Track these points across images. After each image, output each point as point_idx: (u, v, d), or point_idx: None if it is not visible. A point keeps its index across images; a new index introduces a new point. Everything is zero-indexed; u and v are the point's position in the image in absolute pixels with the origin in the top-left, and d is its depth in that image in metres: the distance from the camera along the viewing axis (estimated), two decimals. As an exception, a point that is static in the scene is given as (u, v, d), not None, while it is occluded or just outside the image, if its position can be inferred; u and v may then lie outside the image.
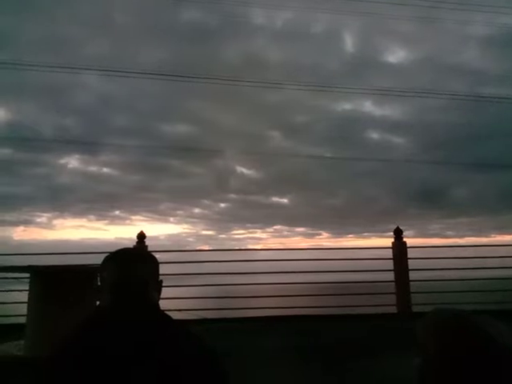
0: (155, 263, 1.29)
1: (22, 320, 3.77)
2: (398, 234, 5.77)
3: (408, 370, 1.08)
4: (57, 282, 3.43)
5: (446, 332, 1.01)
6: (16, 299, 4.85)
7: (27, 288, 3.66)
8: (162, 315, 1.23)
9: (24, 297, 3.73)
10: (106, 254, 1.28)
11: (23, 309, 3.72)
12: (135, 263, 1.20)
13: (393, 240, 5.81)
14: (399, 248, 5.74)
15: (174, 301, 5.27)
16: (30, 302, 3.57)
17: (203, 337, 1.24)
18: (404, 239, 5.81)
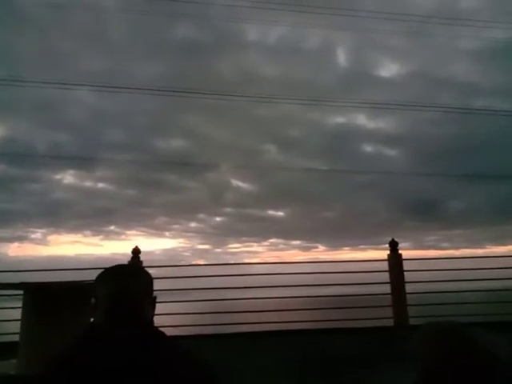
0: (149, 279, 1.28)
1: (15, 338, 3.72)
2: (394, 246, 5.79)
3: (406, 383, 1.08)
4: (50, 299, 3.40)
5: (444, 344, 1.01)
6: (10, 317, 4.78)
7: (21, 305, 3.62)
8: (156, 331, 1.23)
9: (19, 314, 3.68)
10: (101, 270, 1.27)
11: (18, 326, 3.67)
12: (129, 279, 1.20)
13: (388, 252, 5.82)
14: (395, 260, 5.74)
15: (168, 316, 5.23)
16: (23, 320, 3.53)
17: (198, 353, 1.24)
18: (399, 251, 5.82)
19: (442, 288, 6.32)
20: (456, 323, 1.07)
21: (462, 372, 0.96)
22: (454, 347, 0.99)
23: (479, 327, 1.06)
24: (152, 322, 1.24)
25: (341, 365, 3.84)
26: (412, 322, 5.54)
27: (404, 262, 5.79)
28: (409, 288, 5.72)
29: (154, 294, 1.28)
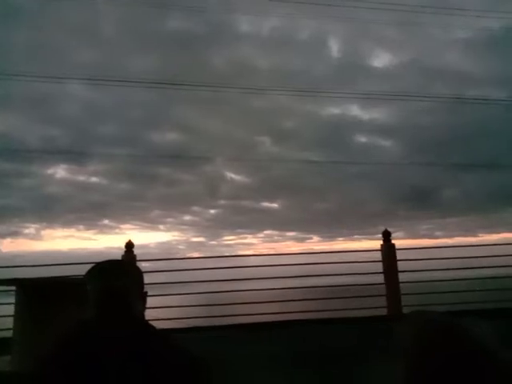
0: (139, 274, 1.28)
1: (9, 334, 3.70)
2: (387, 236, 5.82)
3: (396, 372, 1.08)
4: (44, 294, 3.38)
5: (430, 335, 1.01)
6: (4, 313, 4.77)
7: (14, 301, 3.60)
8: (147, 325, 1.23)
9: (12, 310, 3.67)
10: (94, 264, 1.27)
11: (11, 322, 3.65)
12: (117, 275, 1.20)
13: (382, 242, 5.86)
14: (388, 250, 5.79)
15: (163, 310, 5.24)
16: (16, 316, 3.51)
17: (193, 345, 1.24)
18: (393, 241, 5.86)
19: (436, 277, 6.39)
20: (441, 313, 1.08)
21: (448, 362, 0.96)
22: (440, 337, 0.99)
23: (467, 316, 1.06)
24: (143, 316, 1.24)
25: (334, 355, 3.87)
26: (405, 310, 5.60)
27: (398, 251, 5.84)
28: (402, 277, 5.78)
29: (144, 289, 1.28)
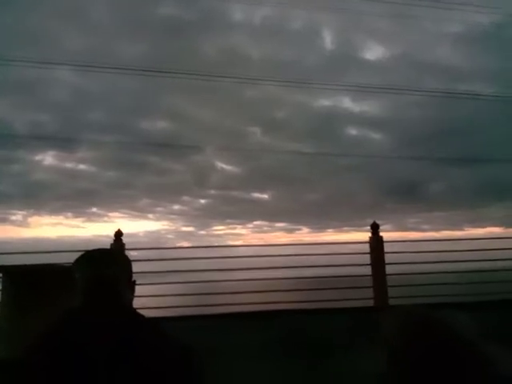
0: (127, 262, 1.28)
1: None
2: (375, 228, 5.88)
3: (380, 363, 1.10)
4: (30, 281, 3.35)
5: (410, 327, 1.04)
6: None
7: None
8: (135, 314, 1.23)
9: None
10: (83, 252, 1.26)
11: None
12: (105, 264, 1.19)
13: (370, 234, 5.92)
14: (376, 242, 5.84)
15: (152, 298, 5.25)
16: (1, 303, 3.48)
17: (182, 334, 1.24)
18: (381, 233, 5.91)
19: (422, 269, 6.48)
20: (422, 305, 1.11)
21: (427, 353, 0.98)
22: (419, 330, 1.01)
23: (447, 308, 1.08)
24: (131, 305, 1.24)
25: (322, 344, 3.92)
26: (392, 302, 5.68)
27: (385, 243, 5.90)
28: (389, 269, 5.84)
29: (133, 278, 1.28)
